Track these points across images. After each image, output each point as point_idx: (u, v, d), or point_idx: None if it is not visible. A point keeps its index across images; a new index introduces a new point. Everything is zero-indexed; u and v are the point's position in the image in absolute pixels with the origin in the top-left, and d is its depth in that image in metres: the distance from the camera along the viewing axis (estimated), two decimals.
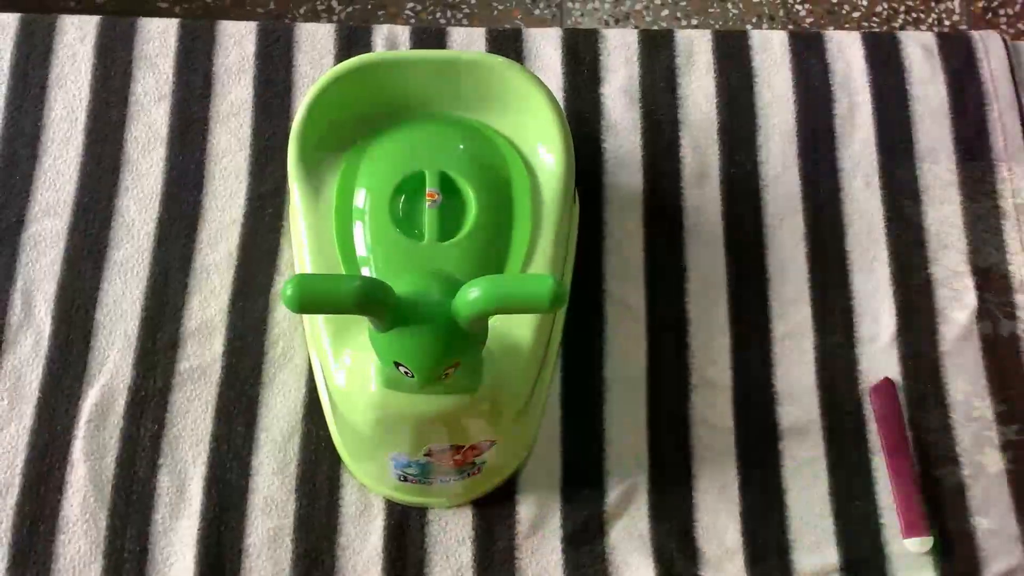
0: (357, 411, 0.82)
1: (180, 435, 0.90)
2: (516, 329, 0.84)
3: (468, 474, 0.86)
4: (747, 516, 0.90)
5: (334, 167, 0.90)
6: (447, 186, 0.87)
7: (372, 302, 0.68)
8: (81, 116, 1.02)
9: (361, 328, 0.76)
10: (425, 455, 0.82)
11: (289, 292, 0.66)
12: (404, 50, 1.05)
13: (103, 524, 0.87)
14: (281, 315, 0.94)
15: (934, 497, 0.90)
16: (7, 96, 1.02)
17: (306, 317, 0.92)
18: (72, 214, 0.98)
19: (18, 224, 0.97)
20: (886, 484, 0.91)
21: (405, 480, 0.86)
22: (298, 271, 0.91)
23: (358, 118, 0.91)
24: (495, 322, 0.75)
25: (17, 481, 0.88)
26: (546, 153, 0.90)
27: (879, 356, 0.95)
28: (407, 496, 0.88)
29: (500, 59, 0.92)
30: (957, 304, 0.97)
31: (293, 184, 0.90)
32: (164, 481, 0.89)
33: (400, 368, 0.71)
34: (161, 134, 1.01)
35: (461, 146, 0.91)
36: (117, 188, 0.99)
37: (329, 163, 0.90)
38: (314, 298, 0.67)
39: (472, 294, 0.67)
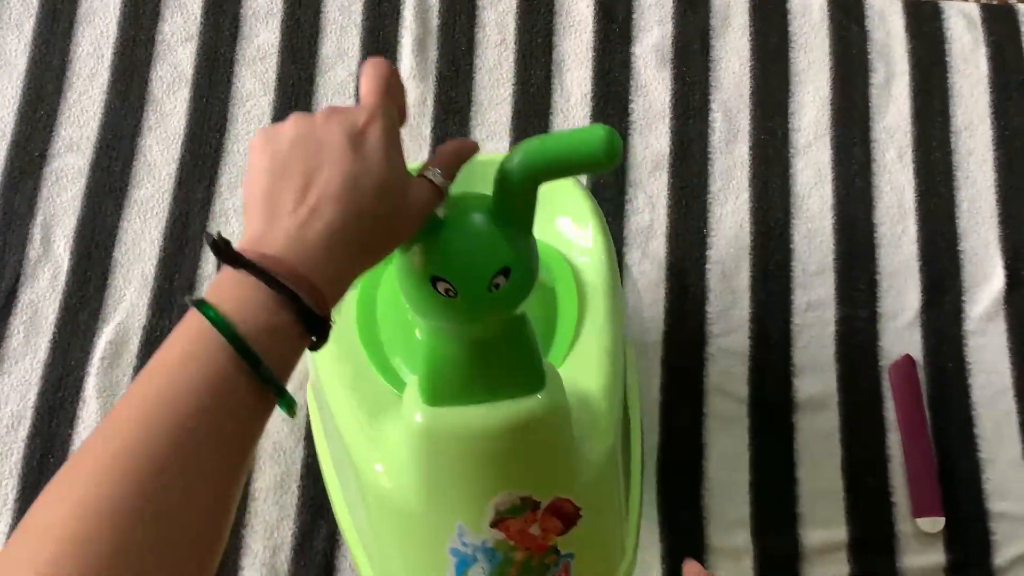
0: (403, 468, 0.67)
1: None
2: (583, 379, 0.72)
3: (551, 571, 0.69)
4: (757, 487, 0.89)
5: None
6: None
7: None
8: (107, 53, 1.01)
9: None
10: (493, 525, 0.66)
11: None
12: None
13: None
14: None
15: (949, 478, 0.89)
16: (36, 30, 1.02)
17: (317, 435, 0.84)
18: (95, 151, 0.97)
19: (40, 158, 0.97)
20: (901, 462, 0.89)
21: None
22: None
23: None
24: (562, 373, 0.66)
25: (29, 414, 0.89)
26: (581, 238, 0.78)
27: (902, 332, 0.93)
28: None
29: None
30: (985, 282, 0.95)
31: None
32: None
33: (440, 287, 0.57)
34: (186, 75, 1.01)
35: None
36: (140, 127, 0.98)
37: None
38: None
39: (518, 157, 0.56)
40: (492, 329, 0.61)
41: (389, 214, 0.52)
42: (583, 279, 0.75)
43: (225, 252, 0.49)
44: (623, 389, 0.74)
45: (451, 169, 0.56)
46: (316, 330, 0.50)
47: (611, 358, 0.72)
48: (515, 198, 0.57)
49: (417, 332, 0.70)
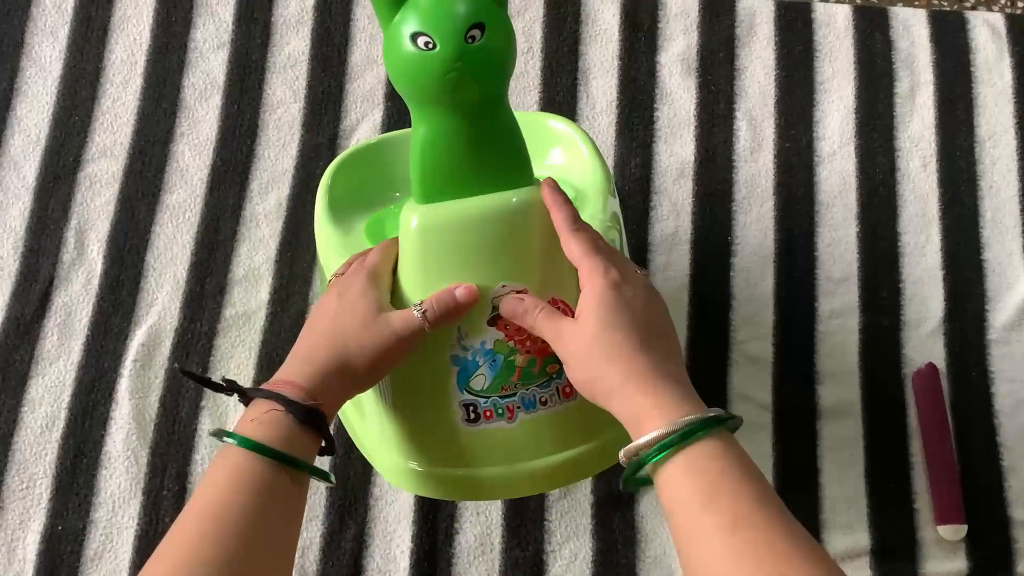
0: (402, 280, 0.70)
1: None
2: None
3: (558, 391, 0.71)
4: (780, 493, 0.88)
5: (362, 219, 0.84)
6: None
7: None
8: (141, 60, 1.03)
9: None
10: (491, 324, 0.68)
11: None
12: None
13: (144, 461, 0.89)
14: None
15: (971, 486, 0.89)
16: (70, 37, 1.03)
17: None
18: (128, 156, 0.99)
19: (75, 163, 0.99)
20: (923, 470, 0.90)
21: (475, 419, 0.70)
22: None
23: (380, 185, 0.85)
24: None
25: (63, 415, 0.90)
26: (575, 161, 0.84)
27: (925, 341, 0.94)
28: (486, 467, 0.71)
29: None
30: (1008, 292, 0.95)
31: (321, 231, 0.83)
32: (205, 423, 0.90)
33: (420, 41, 0.62)
34: (218, 82, 1.02)
35: None
36: (173, 133, 1.00)
37: (358, 216, 0.84)
38: None
39: None
40: (476, 98, 0.64)
41: (348, 340, 0.66)
42: (580, 193, 0.79)
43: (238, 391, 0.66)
44: None
45: (439, 313, 0.66)
46: (310, 420, 0.63)
47: (603, 230, 0.75)
48: None
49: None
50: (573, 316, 0.66)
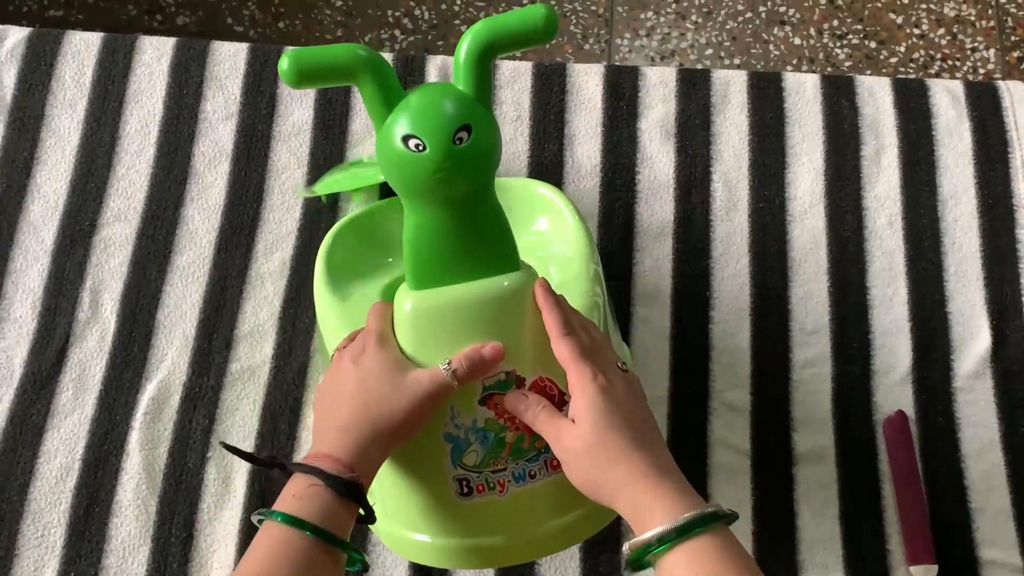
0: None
1: (229, 430, 0.96)
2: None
3: (546, 464, 0.73)
4: (760, 536, 0.93)
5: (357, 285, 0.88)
6: None
7: (372, 63, 0.67)
8: (154, 130, 1.09)
9: None
10: (482, 403, 0.72)
11: (285, 65, 0.65)
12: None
13: (153, 510, 0.93)
14: None
15: (942, 527, 0.93)
16: (88, 109, 1.09)
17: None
18: (141, 220, 1.04)
19: (91, 227, 1.04)
20: (895, 512, 0.94)
21: (468, 492, 0.73)
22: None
23: (375, 250, 0.90)
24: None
25: (77, 466, 0.94)
26: (561, 228, 0.89)
27: (894, 388, 0.98)
28: (481, 537, 0.74)
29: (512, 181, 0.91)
30: (972, 341, 1.00)
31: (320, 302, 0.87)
32: (211, 473, 0.94)
33: (411, 144, 0.67)
34: (226, 150, 1.08)
35: None
36: (183, 198, 1.05)
37: (355, 283, 0.88)
38: (312, 66, 0.66)
39: (471, 34, 0.67)
40: (464, 193, 0.69)
41: (381, 405, 0.69)
42: (563, 259, 0.84)
43: (277, 465, 0.70)
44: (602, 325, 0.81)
45: (467, 371, 0.69)
46: (350, 493, 0.66)
47: (587, 298, 0.80)
48: (471, 70, 0.68)
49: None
50: (560, 394, 0.71)
